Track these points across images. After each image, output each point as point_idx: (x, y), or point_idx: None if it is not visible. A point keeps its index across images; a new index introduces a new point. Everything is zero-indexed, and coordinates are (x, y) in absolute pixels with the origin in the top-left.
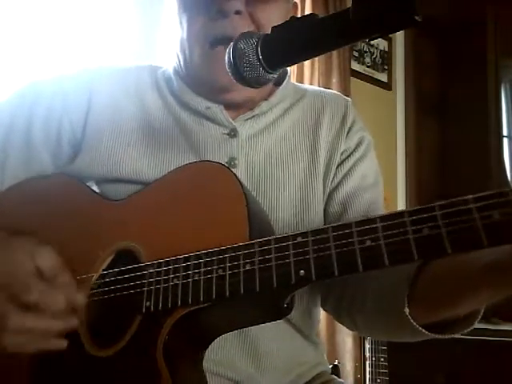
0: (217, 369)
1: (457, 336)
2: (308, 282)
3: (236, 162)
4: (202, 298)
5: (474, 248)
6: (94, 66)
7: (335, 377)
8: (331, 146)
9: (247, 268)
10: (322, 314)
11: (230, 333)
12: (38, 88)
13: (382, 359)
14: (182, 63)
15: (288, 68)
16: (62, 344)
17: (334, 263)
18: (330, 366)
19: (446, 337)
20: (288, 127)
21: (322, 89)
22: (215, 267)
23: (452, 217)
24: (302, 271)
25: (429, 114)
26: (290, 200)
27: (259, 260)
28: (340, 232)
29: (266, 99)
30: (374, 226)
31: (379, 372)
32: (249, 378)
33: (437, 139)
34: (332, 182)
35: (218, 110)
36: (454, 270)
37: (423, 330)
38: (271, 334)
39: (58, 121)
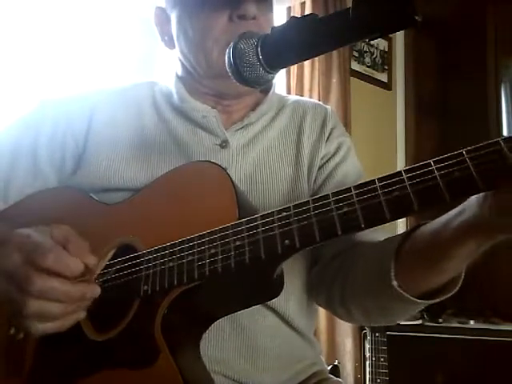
0: (214, 367)
1: (457, 336)
2: (294, 251)
3: (228, 171)
4: (196, 276)
5: (439, 202)
6: (95, 88)
7: (332, 376)
8: (312, 151)
9: (237, 244)
10: (321, 315)
11: (227, 331)
12: (43, 110)
13: (382, 359)
14: (193, 67)
15: (282, 70)
16: (80, 315)
17: (315, 230)
18: (330, 366)
19: (436, 301)
20: (274, 135)
21: (303, 97)
22: (207, 246)
23: (417, 178)
24: (286, 241)
25: (429, 114)
26: (279, 203)
27: (247, 235)
28: (319, 202)
29: (253, 109)
30: (349, 193)
31: (379, 372)
32: (246, 376)
33: (437, 139)
34: (315, 183)
35: (213, 120)
36: (432, 236)
37: (412, 298)
38: (268, 332)
39: (62, 137)
